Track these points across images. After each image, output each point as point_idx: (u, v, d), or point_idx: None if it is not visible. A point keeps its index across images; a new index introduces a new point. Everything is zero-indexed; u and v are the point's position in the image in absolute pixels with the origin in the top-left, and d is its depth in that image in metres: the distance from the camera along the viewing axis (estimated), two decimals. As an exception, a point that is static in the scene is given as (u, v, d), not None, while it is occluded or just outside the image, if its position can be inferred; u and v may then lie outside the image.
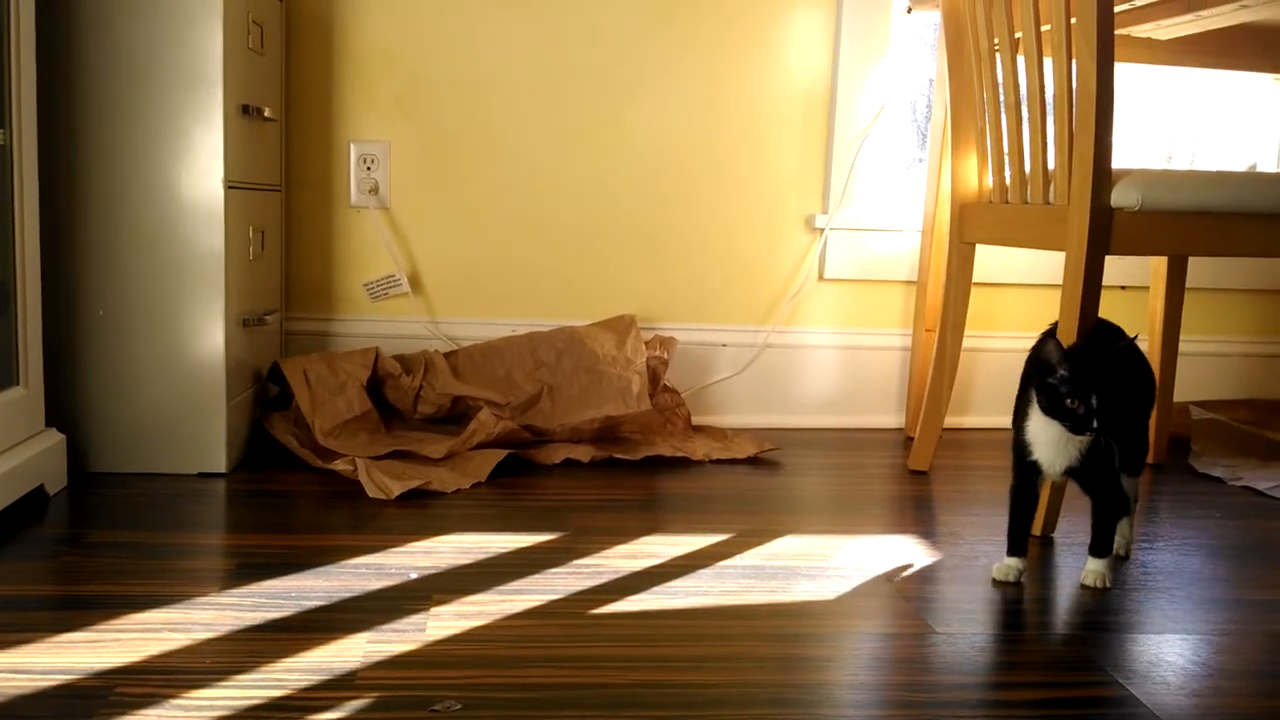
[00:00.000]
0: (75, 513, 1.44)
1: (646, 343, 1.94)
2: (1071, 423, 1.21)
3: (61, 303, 1.57)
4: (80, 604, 1.13)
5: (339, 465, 1.63)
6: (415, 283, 2.07)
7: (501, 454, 1.72)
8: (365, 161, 2.03)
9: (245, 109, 1.66)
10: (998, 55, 1.59)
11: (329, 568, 1.26)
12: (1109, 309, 2.22)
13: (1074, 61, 1.40)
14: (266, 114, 1.73)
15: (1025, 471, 1.31)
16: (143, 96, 1.55)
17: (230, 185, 1.61)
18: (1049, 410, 1.24)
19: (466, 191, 2.06)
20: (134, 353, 1.60)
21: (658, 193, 2.10)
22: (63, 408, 1.59)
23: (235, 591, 1.18)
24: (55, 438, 1.52)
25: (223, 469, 1.64)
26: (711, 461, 1.84)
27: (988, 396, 2.22)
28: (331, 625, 1.10)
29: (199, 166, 1.57)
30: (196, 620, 1.10)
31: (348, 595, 1.18)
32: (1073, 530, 1.52)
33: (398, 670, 1.00)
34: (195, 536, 1.37)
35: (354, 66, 2.01)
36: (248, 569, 1.25)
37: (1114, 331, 1.41)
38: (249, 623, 1.09)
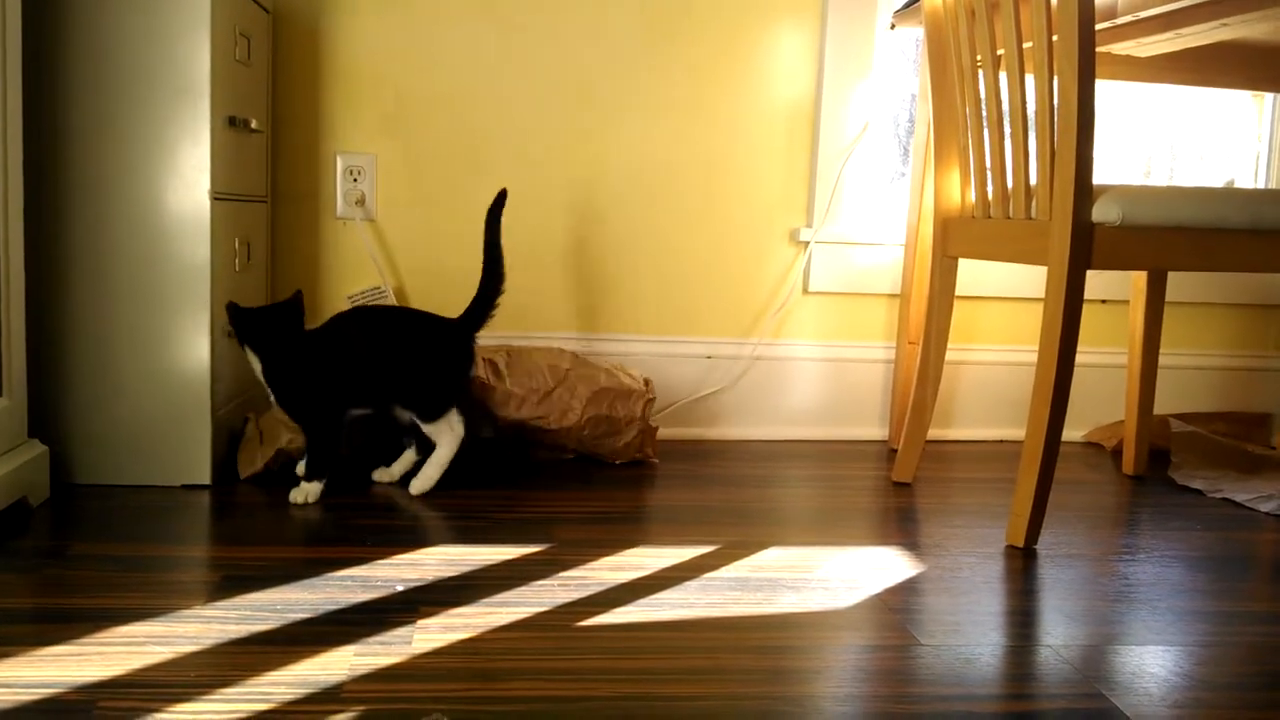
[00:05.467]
0: (58, 525, 1.43)
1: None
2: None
3: (46, 313, 1.57)
4: (63, 617, 1.12)
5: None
6: (400, 295, 2.07)
7: None
8: (351, 174, 2.03)
9: (232, 120, 1.66)
10: (980, 72, 1.61)
11: (314, 580, 1.26)
12: (1090, 323, 2.25)
13: (1055, 78, 1.42)
14: (253, 126, 1.73)
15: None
16: (129, 108, 1.55)
17: (216, 197, 1.61)
18: None
19: (452, 205, 2.06)
20: (118, 364, 1.59)
21: (644, 207, 2.11)
22: (46, 419, 1.58)
23: (220, 604, 1.17)
24: (38, 449, 1.51)
25: (207, 481, 1.63)
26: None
27: (971, 409, 2.24)
28: (317, 638, 1.09)
29: (185, 178, 1.57)
30: (181, 633, 1.09)
31: (333, 608, 1.18)
32: (1056, 543, 1.54)
33: (384, 683, 1.00)
34: (179, 549, 1.36)
35: (341, 79, 2.01)
36: (232, 581, 1.24)
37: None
38: (234, 636, 1.09)
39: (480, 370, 1.79)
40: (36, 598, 1.18)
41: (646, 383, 1.88)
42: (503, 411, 1.78)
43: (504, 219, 1.72)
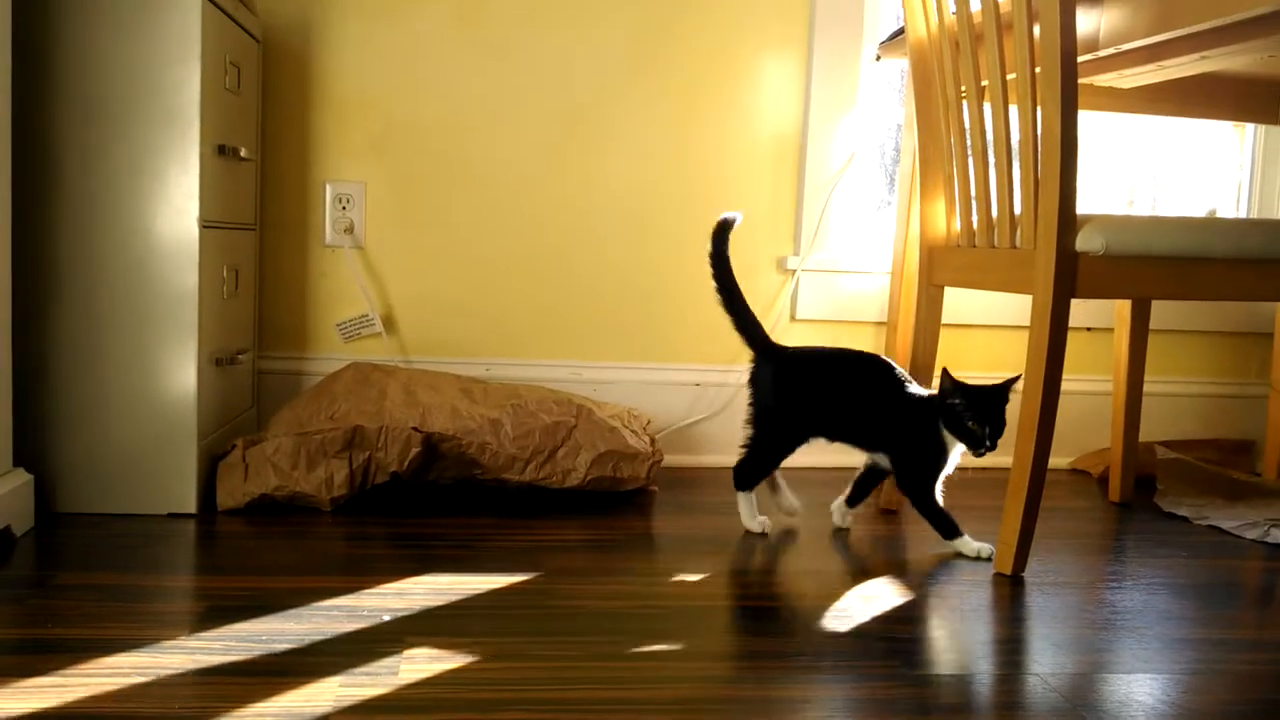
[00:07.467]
0: (42, 554, 1.42)
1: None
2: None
3: (32, 340, 1.56)
4: (47, 647, 1.11)
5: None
6: (388, 322, 2.07)
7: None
8: (340, 201, 2.03)
9: (221, 149, 1.67)
10: (964, 102, 1.63)
11: (300, 610, 1.25)
12: (1075, 350, 2.26)
13: (1039, 109, 1.44)
14: (242, 154, 1.73)
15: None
16: (119, 135, 1.56)
17: (205, 224, 1.61)
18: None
19: (441, 232, 2.07)
20: (104, 392, 1.59)
21: (632, 235, 2.12)
22: (30, 446, 1.57)
23: (205, 634, 1.16)
24: (23, 477, 1.50)
25: (193, 509, 1.62)
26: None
27: (958, 436, 2.24)
28: (303, 669, 1.09)
29: (174, 205, 1.58)
30: (165, 664, 1.08)
31: (319, 638, 1.17)
32: (1043, 570, 1.54)
33: (370, 714, 0.99)
34: (165, 578, 1.35)
35: (330, 107, 2.02)
36: (218, 611, 1.24)
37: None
38: (218, 666, 1.08)
39: (479, 427, 1.77)
40: (19, 628, 1.17)
41: (653, 441, 1.87)
42: (504, 474, 1.76)
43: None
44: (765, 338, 1.66)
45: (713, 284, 1.67)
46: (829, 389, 1.62)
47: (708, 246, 1.66)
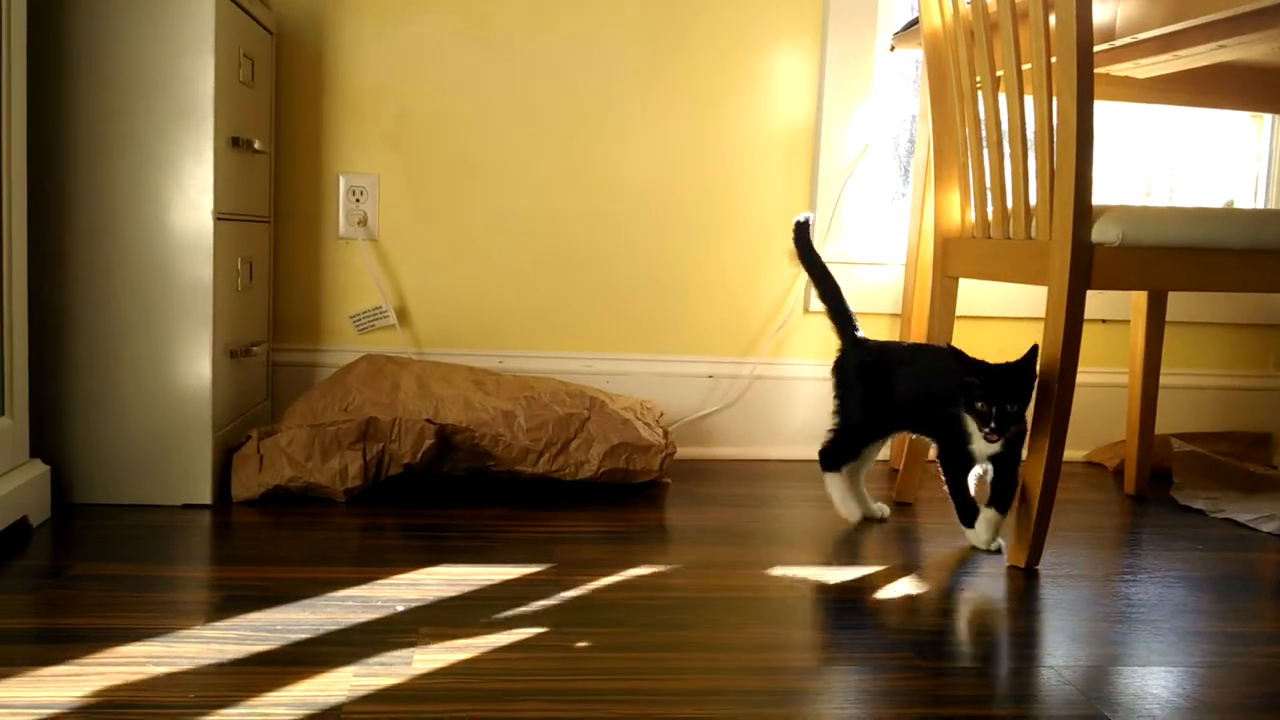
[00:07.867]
0: (59, 545, 1.43)
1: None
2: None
3: (48, 333, 1.57)
4: (63, 637, 1.12)
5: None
6: (402, 315, 2.07)
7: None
8: (354, 193, 2.04)
9: (235, 141, 1.67)
10: (979, 93, 1.62)
11: (314, 600, 1.25)
12: (1090, 342, 2.25)
13: (1054, 99, 1.43)
14: (256, 146, 1.74)
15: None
16: (133, 128, 1.56)
17: (219, 217, 1.61)
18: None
19: (455, 224, 2.07)
20: (120, 383, 1.59)
21: (645, 227, 2.12)
22: (47, 438, 1.58)
23: (220, 624, 1.17)
24: (40, 469, 1.51)
25: (208, 500, 1.63)
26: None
27: (972, 429, 2.23)
28: (317, 659, 1.09)
29: (188, 198, 1.58)
30: (180, 653, 1.09)
31: (333, 628, 1.17)
32: (1058, 563, 1.53)
33: (384, 704, 1.00)
34: (180, 569, 1.36)
35: (344, 100, 2.02)
36: (232, 601, 1.24)
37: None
38: (233, 656, 1.09)
39: (493, 419, 1.77)
40: (36, 618, 1.18)
41: (666, 433, 1.87)
42: (517, 466, 1.77)
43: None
44: (853, 330, 1.71)
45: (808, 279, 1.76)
46: (899, 380, 1.64)
47: (794, 249, 1.75)
